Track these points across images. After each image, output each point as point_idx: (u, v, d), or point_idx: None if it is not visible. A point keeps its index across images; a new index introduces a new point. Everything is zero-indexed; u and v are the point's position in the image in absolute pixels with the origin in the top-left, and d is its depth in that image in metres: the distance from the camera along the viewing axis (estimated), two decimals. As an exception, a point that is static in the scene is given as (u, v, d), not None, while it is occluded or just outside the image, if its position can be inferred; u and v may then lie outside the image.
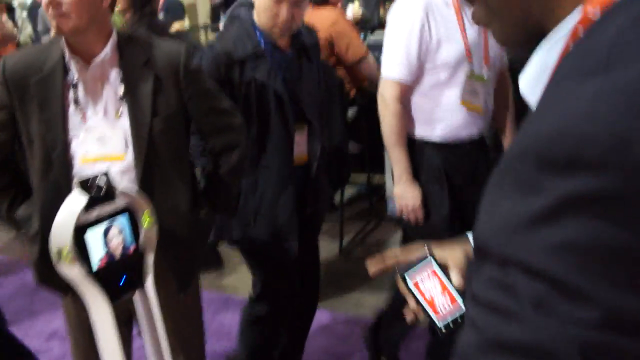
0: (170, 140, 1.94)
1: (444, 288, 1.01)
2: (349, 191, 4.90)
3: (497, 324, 0.56)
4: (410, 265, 1.01)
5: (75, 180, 1.65)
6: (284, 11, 2.29)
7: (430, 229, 2.54)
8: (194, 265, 2.16)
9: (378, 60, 4.31)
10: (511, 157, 0.58)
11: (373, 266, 1.09)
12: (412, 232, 2.63)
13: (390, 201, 3.45)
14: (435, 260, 1.01)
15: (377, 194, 4.94)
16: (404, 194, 2.51)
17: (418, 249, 1.04)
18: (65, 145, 1.87)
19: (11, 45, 3.93)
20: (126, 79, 1.88)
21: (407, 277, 1.01)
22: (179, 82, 1.93)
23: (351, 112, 4.24)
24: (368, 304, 3.57)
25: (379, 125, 2.51)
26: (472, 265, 0.63)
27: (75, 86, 1.87)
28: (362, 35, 4.43)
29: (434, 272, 1.00)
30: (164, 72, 1.91)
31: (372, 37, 4.62)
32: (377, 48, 4.42)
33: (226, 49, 2.34)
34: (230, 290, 3.84)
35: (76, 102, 1.87)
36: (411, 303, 1.04)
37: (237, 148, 2.10)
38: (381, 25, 5.24)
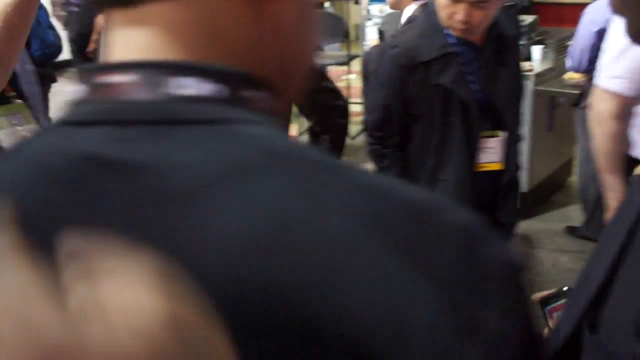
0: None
1: None
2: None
3: None
4: (550, 299, 1.26)
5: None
6: (460, 11, 1.96)
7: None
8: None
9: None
10: None
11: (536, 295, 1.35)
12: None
13: None
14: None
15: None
16: None
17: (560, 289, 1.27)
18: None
19: None
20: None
21: (545, 309, 1.26)
22: None
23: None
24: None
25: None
26: None
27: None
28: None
29: None
30: None
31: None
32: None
33: (408, 48, 2.07)
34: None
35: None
36: (544, 330, 1.25)
37: (336, 128, 2.09)
38: (528, 8, 4.81)
